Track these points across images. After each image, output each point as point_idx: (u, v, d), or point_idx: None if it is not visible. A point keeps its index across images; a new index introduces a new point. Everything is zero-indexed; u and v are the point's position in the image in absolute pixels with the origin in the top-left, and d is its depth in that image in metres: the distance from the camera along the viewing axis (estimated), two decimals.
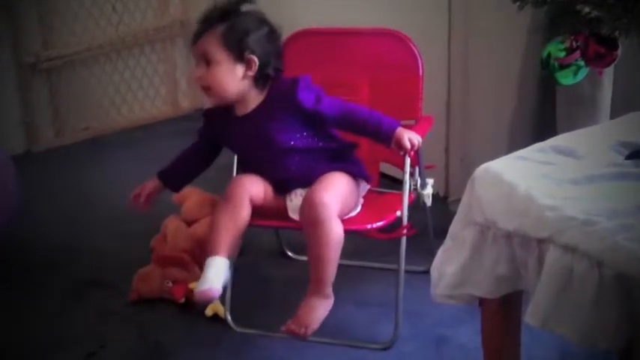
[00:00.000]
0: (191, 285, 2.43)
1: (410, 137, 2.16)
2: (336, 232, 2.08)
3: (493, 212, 1.63)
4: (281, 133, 2.20)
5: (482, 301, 1.76)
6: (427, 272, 1.84)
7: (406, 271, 2.24)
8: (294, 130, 2.21)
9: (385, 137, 2.18)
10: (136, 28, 3.90)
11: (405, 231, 2.20)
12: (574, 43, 2.07)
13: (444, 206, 2.93)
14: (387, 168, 2.48)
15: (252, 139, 2.24)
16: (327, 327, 2.13)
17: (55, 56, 3.69)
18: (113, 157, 3.64)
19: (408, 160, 2.22)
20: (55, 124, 3.80)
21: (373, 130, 2.20)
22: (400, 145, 2.17)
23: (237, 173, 2.36)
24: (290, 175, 2.22)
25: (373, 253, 2.61)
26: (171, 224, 2.69)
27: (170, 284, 2.47)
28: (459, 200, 1.76)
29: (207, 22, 2.22)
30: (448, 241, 1.76)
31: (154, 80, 4.05)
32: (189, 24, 3.93)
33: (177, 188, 2.44)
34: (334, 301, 2.11)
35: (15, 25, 3.59)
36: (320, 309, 2.09)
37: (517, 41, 2.52)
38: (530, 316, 1.54)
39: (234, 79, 2.19)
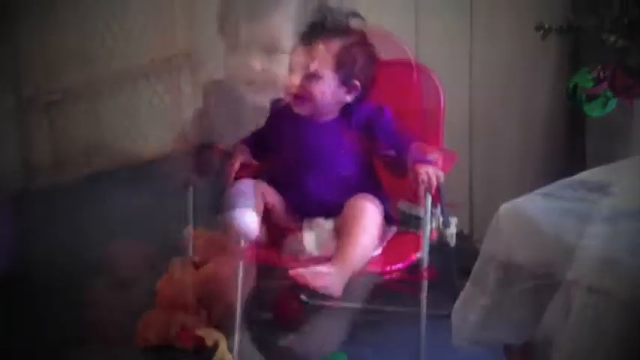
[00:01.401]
0: (199, 332, 2.46)
1: (428, 171, 2.18)
2: (374, 213, 2.19)
3: (517, 252, 1.66)
4: (342, 155, 2.29)
5: (506, 346, 1.78)
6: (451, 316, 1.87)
7: (429, 315, 2.25)
8: (351, 156, 2.30)
9: (406, 165, 2.22)
10: (140, 60, 3.94)
11: (425, 274, 2.22)
12: (601, 74, 2.09)
13: (469, 244, 2.93)
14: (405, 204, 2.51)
15: (311, 147, 2.30)
16: None
17: (55, 89, 3.73)
18: (116, 195, 3.65)
19: (429, 198, 2.23)
20: (55, 159, 3.84)
21: (401, 158, 2.26)
22: (415, 178, 2.19)
23: None
24: (322, 197, 2.28)
25: (393, 296, 2.62)
26: (179, 266, 2.71)
27: (177, 330, 2.50)
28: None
29: (319, 29, 2.30)
30: (470, 283, 1.79)
31: (159, 113, 4.08)
32: (196, 53, 3.98)
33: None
34: (352, 348, 2.12)
35: (14, 58, 3.64)
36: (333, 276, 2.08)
37: (544, 70, 2.54)
38: None
39: (333, 99, 2.29)
